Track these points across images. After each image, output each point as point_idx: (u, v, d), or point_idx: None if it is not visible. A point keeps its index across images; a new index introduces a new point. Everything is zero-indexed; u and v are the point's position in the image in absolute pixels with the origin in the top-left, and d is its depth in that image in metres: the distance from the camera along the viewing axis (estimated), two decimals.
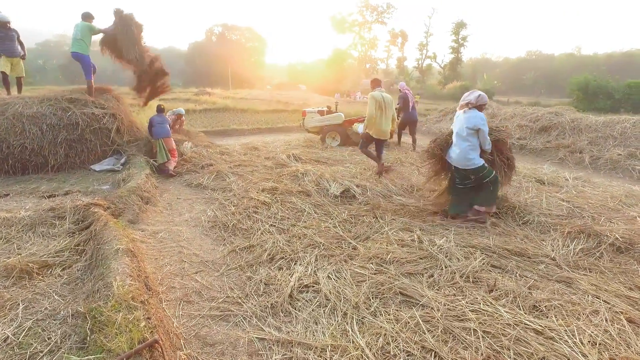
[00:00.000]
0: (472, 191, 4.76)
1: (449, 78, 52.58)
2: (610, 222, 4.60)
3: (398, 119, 10.21)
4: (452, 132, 4.86)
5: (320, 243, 4.02)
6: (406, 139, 11.12)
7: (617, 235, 4.00)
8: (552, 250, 3.91)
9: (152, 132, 7.36)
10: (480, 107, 4.64)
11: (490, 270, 3.52)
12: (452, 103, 31.23)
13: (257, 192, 5.48)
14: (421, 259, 3.67)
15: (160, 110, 7.64)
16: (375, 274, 3.44)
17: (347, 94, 37.48)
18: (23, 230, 4.05)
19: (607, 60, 59.57)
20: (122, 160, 7.12)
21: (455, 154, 4.68)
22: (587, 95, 28.01)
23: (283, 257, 3.79)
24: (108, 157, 7.26)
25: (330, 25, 59.13)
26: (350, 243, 4.07)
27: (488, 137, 4.56)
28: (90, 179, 6.33)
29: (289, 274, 3.48)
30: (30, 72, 42.19)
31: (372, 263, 3.62)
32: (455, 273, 3.42)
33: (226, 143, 9.94)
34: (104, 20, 8.10)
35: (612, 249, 3.92)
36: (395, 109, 9.41)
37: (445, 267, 3.51)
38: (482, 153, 4.66)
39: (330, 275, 3.44)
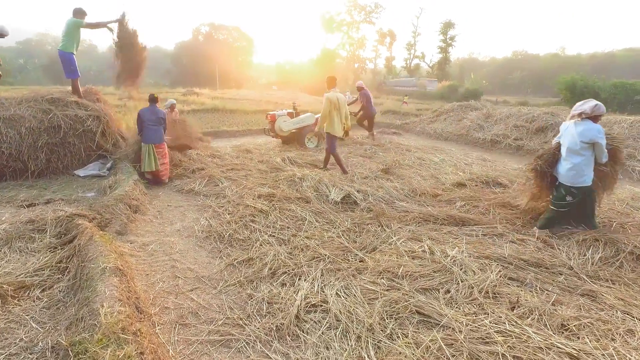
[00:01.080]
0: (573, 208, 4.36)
1: (437, 77, 52.70)
2: (623, 228, 4.42)
3: (356, 115, 11.20)
4: (559, 146, 4.41)
5: (325, 255, 3.75)
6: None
7: (635, 244, 3.81)
8: (569, 260, 3.70)
9: (141, 131, 6.44)
10: (595, 117, 4.14)
11: (508, 284, 3.29)
12: (441, 103, 31.24)
13: (253, 199, 5.17)
14: (435, 272, 3.42)
15: (152, 99, 6.51)
16: (387, 290, 3.17)
17: None
18: None
19: (590, 60, 60.40)
20: (108, 165, 6.73)
21: (564, 169, 4.25)
22: (575, 95, 28.18)
23: (286, 272, 3.51)
24: (93, 162, 6.87)
25: (319, 25, 58.88)
26: (356, 255, 3.81)
27: (605, 150, 4.11)
28: (74, 186, 5.94)
29: (294, 291, 3.20)
30: (11, 71, 41.02)
31: (383, 278, 3.36)
32: (473, 288, 3.18)
33: (217, 145, 9.59)
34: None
35: (632, 257, 3.72)
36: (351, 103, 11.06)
37: (462, 281, 3.27)
38: (596, 165, 4.25)
39: (339, 292, 3.17)
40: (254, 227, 4.43)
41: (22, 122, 6.13)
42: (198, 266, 3.75)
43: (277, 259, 3.70)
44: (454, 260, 3.57)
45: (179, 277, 3.54)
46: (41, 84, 34.67)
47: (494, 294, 3.12)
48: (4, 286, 3.02)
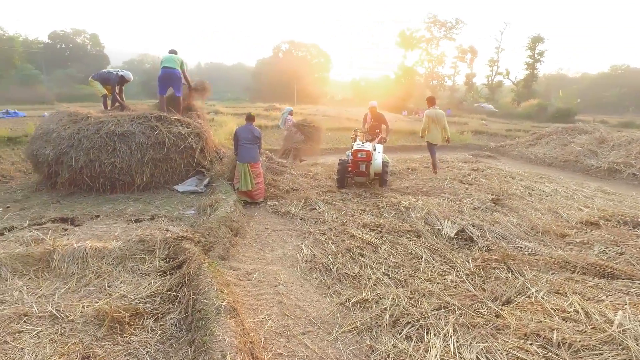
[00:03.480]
0: None
1: (523, 95, 49.25)
2: None
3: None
4: None
5: (453, 305, 3.23)
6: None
7: None
8: None
9: (236, 149, 6.35)
10: None
11: None
12: (530, 122, 28.92)
13: (358, 228, 4.81)
14: (601, 344, 2.74)
15: (250, 118, 6.48)
16: None
17: (414, 111, 36.18)
18: (113, 264, 3.70)
19: None
20: (205, 182, 6.81)
21: None
22: None
23: (410, 323, 3.04)
24: (190, 178, 7.01)
25: (397, 42, 58.14)
26: (490, 307, 3.23)
27: None
28: (175, 202, 6.04)
29: (424, 349, 2.73)
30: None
31: (532, 343, 2.76)
32: None
33: (306, 163, 9.45)
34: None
35: None
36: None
37: None
38: None
39: (479, 356, 2.64)
40: (363, 262, 4.04)
41: (133, 138, 6.41)
42: (307, 304, 3.43)
43: (397, 305, 3.25)
44: (624, 330, 2.87)
45: (288, 315, 3.24)
46: (139, 99, 38.05)
47: None
48: (121, 312, 2.93)
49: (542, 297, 3.33)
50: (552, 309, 3.14)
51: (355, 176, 7.03)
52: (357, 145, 7.07)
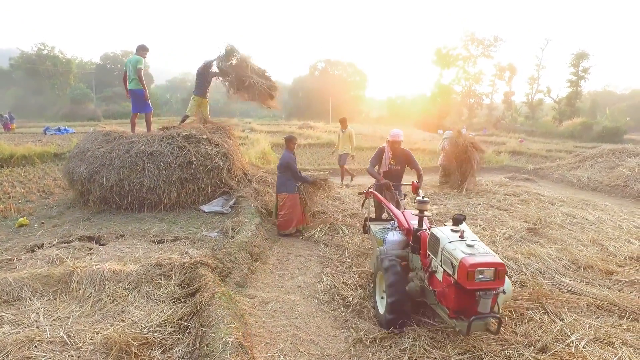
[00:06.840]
0: None
1: (565, 114, 46.99)
2: None
3: None
4: None
5: (480, 350, 2.94)
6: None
7: None
8: None
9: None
10: None
11: None
12: (573, 142, 27.41)
13: None
14: None
15: (285, 142, 6.23)
16: None
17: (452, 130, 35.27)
18: (129, 288, 3.67)
19: None
20: (231, 203, 6.80)
21: None
22: None
23: None
24: (217, 198, 7.02)
25: (433, 60, 57.46)
26: (522, 355, 2.92)
27: None
28: (199, 222, 6.04)
29: None
30: (159, 104, 48.15)
31: None
32: None
33: (335, 182, 9.29)
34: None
35: None
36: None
37: None
38: None
39: None
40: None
41: (162, 157, 6.53)
42: (322, 339, 3.25)
43: (418, 345, 3.00)
44: None
45: (301, 351, 3.07)
46: (180, 115, 39.61)
47: None
48: (130, 341, 2.86)
49: (584, 347, 2.98)
50: None
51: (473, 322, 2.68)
52: (467, 248, 2.77)
